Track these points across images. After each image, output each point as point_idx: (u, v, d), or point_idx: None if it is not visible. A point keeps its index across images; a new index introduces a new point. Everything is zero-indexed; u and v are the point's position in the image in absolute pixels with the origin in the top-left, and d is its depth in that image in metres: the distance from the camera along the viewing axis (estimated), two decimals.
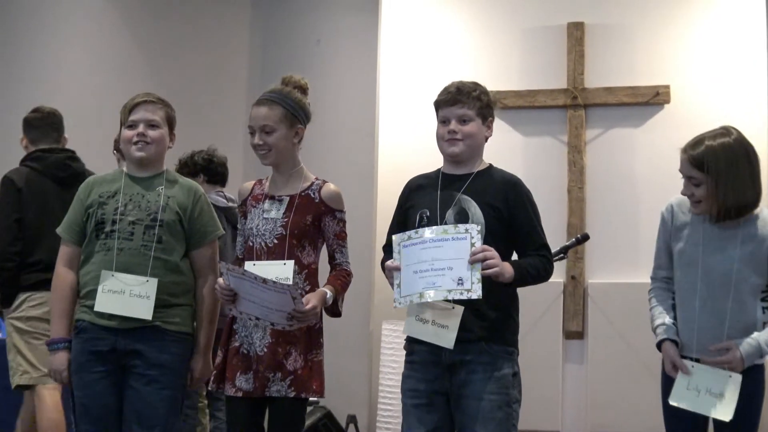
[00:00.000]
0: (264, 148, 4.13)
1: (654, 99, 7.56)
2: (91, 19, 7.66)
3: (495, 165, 4.03)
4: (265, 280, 3.84)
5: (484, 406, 3.74)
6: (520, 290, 3.92)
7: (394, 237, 3.83)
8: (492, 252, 3.66)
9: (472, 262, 3.63)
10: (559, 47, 7.78)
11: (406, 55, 8.10)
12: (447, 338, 3.73)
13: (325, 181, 4.21)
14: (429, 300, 3.70)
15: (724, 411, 3.83)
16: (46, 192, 5.46)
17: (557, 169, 7.69)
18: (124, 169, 4.31)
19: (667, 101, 7.55)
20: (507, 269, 3.71)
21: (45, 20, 7.45)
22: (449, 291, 3.66)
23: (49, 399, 5.29)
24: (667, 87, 7.55)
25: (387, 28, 8.10)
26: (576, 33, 7.75)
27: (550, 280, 7.32)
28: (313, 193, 4.15)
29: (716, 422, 3.93)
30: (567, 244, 5.62)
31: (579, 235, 5.69)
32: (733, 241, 3.93)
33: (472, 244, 3.65)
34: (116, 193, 4.16)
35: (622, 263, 7.38)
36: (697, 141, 3.92)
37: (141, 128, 4.16)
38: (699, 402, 3.87)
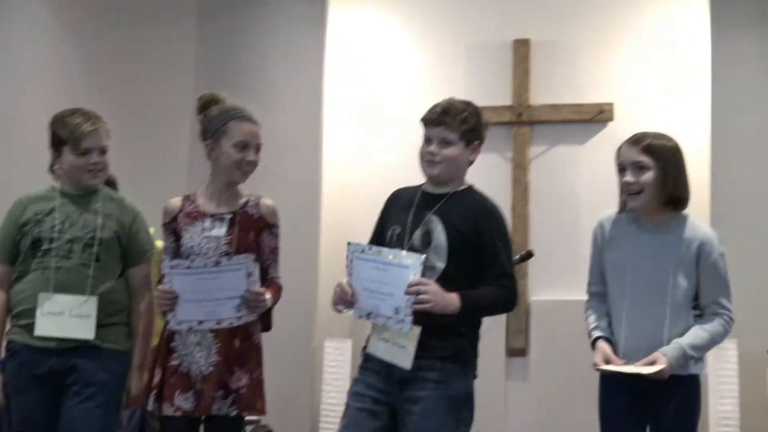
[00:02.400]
0: (253, 165, 4.13)
1: (598, 116, 7.59)
2: (33, 29, 7.54)
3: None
4: (217, 262, 3.83)
5: (430, 426, 3.70)
6: None
7: (349, 244, 3.79)
8: (428, 287, 3.61)
9: (406, 294, 3.60)
10: (504, 64, 7.79)
11: (351, 70, 8.07)
12: (405, 359, 3.70)
13: (259, 196, 4.19)
14: (373, 321, 3.72)
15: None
16: None
17: (501, 186, 7.68)
18: (57, 185, 4.24)
19: (611, 119, 7.58)
20: (450, 302, 3.65)
21: None
22: (387, 319, 3.65)
23: None
24: (611, 105, 7.58)
25: (333, 42, 8.07)
26: (522, 50, 7.76)
27: None
28: (252, 210, 4.13)
29: None
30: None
31: (523, 252, 5.69)
32: (666, 247, 3.98)
33: (414, 274, 3.61)
34: (52, 210, 4.11)
35: (565, 281, 7.37)
36: (641, 135, 4.00)
37: (95, 157, 4.14)
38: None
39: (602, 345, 4.01)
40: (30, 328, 4.03)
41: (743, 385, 7.27)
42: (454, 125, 3.84)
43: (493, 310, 3.84)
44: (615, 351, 3.99)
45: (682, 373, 3.92)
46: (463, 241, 3.77)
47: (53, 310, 4.01)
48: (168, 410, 3.99)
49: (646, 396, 3.94)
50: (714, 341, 3.95)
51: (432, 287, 3.61)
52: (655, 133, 4.03)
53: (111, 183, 5.74)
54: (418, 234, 3.79)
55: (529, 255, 5.72)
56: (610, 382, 4.04)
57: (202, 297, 3.87)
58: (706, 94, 7.48)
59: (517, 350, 7.52)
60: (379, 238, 3.91)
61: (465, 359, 3.83)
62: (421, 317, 3.63)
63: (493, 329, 7.49)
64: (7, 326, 4.15)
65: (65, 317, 4.01)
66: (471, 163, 3.94)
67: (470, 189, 3.94)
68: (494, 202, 3.94)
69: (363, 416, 3.79)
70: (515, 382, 7.57)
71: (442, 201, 3.84)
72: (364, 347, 3.93)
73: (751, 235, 7.77)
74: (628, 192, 4.00)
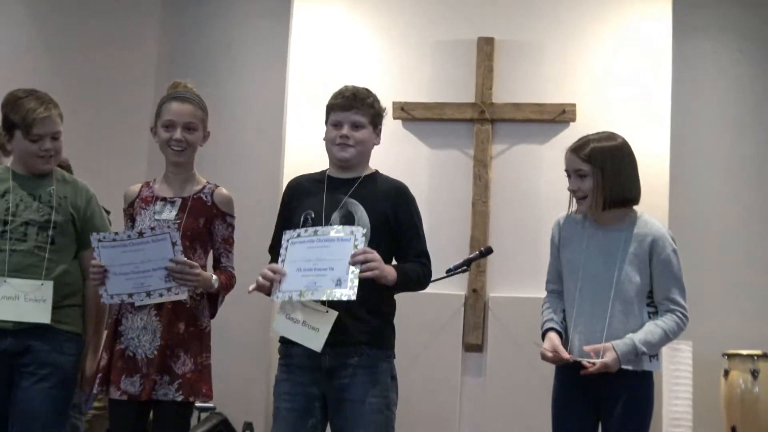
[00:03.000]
0: (183, 144, 4.11)
1: (560, 117, 7.62)
2: None
3: (401, 175, 4.04)
4: (141, 233, 3.84)
5: (365, 409, 3.76)
6: (420, 302, 3.93)
7: (285, 233, 3.83)
8: (373, 254, 3.68)
9: (352, 263, 3.64)
10: (468, 61, 7.82)
11: (315, 63, 8.08)
12: (316, 341, 3.72)
13: (216, 186, 4.20)
14: (308, 299, 3.70)
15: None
16: None
17: (462, 183, 7.72)
18: (8, 165, 4.22)
19: (573, 119, 7.61)
20: (389, 272, 3.74)
21: None
22: (328, 291, 3.65)
23: None
24: (574, 105, 7.62)
25: (297, 34, 8.08)
26: (486, 48, 7.78)
27: (452, 292, 7.42)
28: (206, 197, 4.13)
29: (605, 428, 4.02)
30: (470, 257, 5.67)
31: (482, 248, 5.73)
32: (617, 243, 4.04)
33: (355, 246, 3.67)
34: (6, 192, 4.09)
35: (523, 278, 7.41)
36: (584, 141, 4.07)
37: (48, 143, 4.10)
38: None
39: (551, 335, 4.07)
40: None
41: (697, 387, 7.36)
42: (364, 109, 3.94)
43: (417, 285, 3.91)
44: (566, 346, 4.04)
45: (636, 369, 3.96)
46: (384, 221, 3.87)
47: (8, 294, 3.99)
48: (114, 394, 4.00)
49: (598, 390, 3.98)
50: (667, 337, 3.99)
51: (376, 255, 3.69)
52: (597, 136, 4.09)
53: (65, 167, 5.73)
54: (336, 216, 3.86)
55: (488, 251, 5.76)
56: (564, 377, 4.09)
57: (130, 269, 3.87)
58: (666, 98, 7.54)
59: (473, 345, 7.55)
60: (287, 226, 3.93)
61: (387, 342, 3.91)
62: (337, 304, 3.68)
63: (450, 324, 7.55)
64: None
65: (21, 301, 3.99)
66: (374, 146, 4.03)
67: (378, 173, 4.04)
68: (404, 183, 4.03)
69: (295, 416, 3.82)
70: (471, 377, 7.60)
71: (356, 184, 3.93)
72: (280, 342, 3.95)
73: (708, 237, 7.87)
74: (574, 197, 4.08)
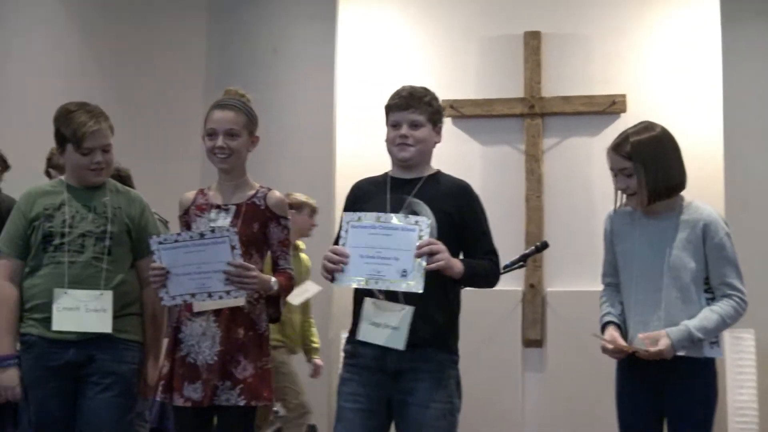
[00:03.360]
0: (226, 151, 4.11)
1: (610, 108, 7.60)
2: (43, 23, 7.60)
3: (453, 173, 4.03)
4: (202, 234, 3.86)
5: (429, 414, 3.73)
6: (478, 299, 3.92)
7: (344, 214, 3.80)
8: (439, 245, 3.65)
9: (417, 255, 3.62)
10: (515, 56, 7.82)
11: (363, 64, 8.10)
12: (398, 340, 3.72)
13: (269, 189, 4.19)
14: (372, 287, 3.70)
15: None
16: None
17: (515, 178, 7.71)
18: (63, 179, 4.27)
19: (624, 110, 7.59)
20: (455, 264, 3.71)
21: None
22: (393, 282, 3.64)
23: None
24: (623, 96, 7.59)
25: (344, 36, 8.11)
26: (533, 42, 7.78)
27: (509, 288, 7.41)
28: (259, 201, 4.13)
29: (670, 419, 3.98)
30: (526, 252, 5.62)
31: (538, 243, 5.69)
32: (668, 231, 4.02)
33: (420, 237, 3.64)
34: (61, 205, 4.13)
35: (580, 271, 7.38)
36: (623, 137, 4.03)
37: (99, 156, 4.13)
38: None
39: (610, 329, 4.06)
40: (46, 321, 4.04)
41: (761, 375, 7.27)
42: (422, 108, 3.91)
43: (486, 282, 3.88)
44: (625, 337, 4.03)
45: (696, 356, 3.93)
46: (449, 220, 3.83)
47: (69, 305, 4.02)
48: (178, 401, 4.02)
49: (660, 381, 3.95)
50: (724, 323, 3.95)
51: (442, 246, 3.66)
52: (635, 129, 4.05)
53: (125, 178, 5.79)
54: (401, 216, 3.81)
55: (544, 246, 5.72)
56: (626, 371, 4.07)
57: (191, 270, 3.88)
58: (717, 84, 7.49)
59: (533, 341, 7.54)
60: None
61: (453, 345, 3.89)
62: (413, 300, 3.67)
63: (508, 320, 7.54)
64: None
65: (81, 312, 4.02)
66: (435, 144, 3.99)
67: (440, 172, 4.01)
68: (467, 182, 4.00)
69: (362, 418, 3.80)
70: (532, 372, 7.59)
71: (419, 184, 3.90)
72: (347, 342, 3.93)
73: (766, 222, 7.77)
74: (623, 194, 4.07)
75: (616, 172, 4.05)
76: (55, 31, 7.67)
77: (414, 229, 3.66)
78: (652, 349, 3.87)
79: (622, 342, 3.98)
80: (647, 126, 4.06)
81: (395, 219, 3.70)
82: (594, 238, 7.34)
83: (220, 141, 4.10)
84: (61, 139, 4.17)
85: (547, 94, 7.74)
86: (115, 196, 4.21)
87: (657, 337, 3.90)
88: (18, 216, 4.17)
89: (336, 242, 3.88)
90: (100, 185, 4.22)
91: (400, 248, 3.65)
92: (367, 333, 3.80)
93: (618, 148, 4.02)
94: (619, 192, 4.11)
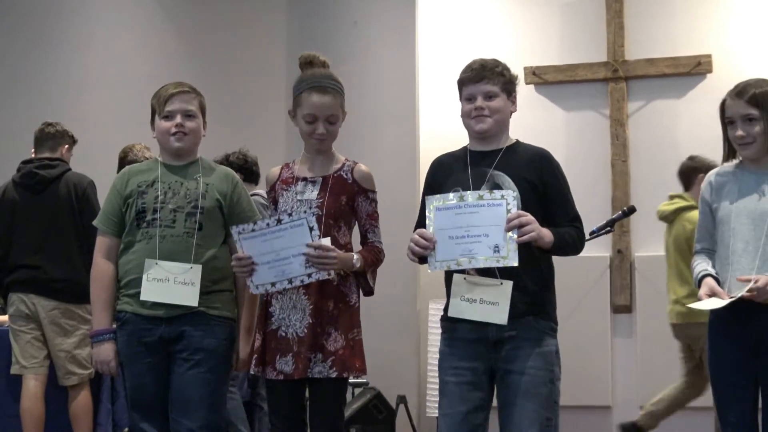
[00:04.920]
0: (326, 137, 4.13)
1: (696, 69, 7.51)
2: (129, 6, 7.72)
3: (537, 141, 4.01)
4: (279, 219, 3.88)
5: (529, 381, 3.72)
6: (565, 266, 3.90)
7: (427, 199, 3.80)
8: (528, 217, 3.63)
9: (508, 229, 3.62)
10: (598, 20, 7.75)
11: (444, 35, 8.08)
12: (499, 315, 3.70)
13: (356, 162, 4.20)
14: (465, 267, 3.69)
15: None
16: (15, 200, 5.86)
17: (600, 143, 7.66)
18: (159, 158, 4.32)
19: (710, 71, 7.49)
20: (545, 233, 3.69)
21: (83, 9, 7.54)
22: (486, 259, 3.64)
23: (30, 388, 5.76)
24: (709, 56, 7.49)
25: (424, 7, 8.09)
26: (615, 5, 7.70)
27: (597, 254, 7.38)
28: (346, 174, 4.14)
29: (764, 381, 3.91)
30: (613, 217, 5.60)
31: (625, 208, 5.67)
32: None
33: (508, 211, 3.63)
34: (154, 182, 4.17)
35: None
36: (744, 86, 3.97)
37: (179, 119, 4.16)
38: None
39: (707, 279, 3.98)
40: (138, 297, 4.09)
41: None
42: (495, 78, 3.88)
43: (573, 249, 3.86)
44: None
45: None
46: (533, 190, 3.81)
47: (159, 276, 4.06)
48: (271, 374, 4.06)
49: (754, 337, 3.89)
50: None
51: (531, 217, 3.65)
52: (756, 81, 3.98)
53: (251, 164, 5.93)
54: (485, 189, 3.78)
55: (631, 210, 5.69)
56: (721, 330, 4.01)
57: (271, 257, 3.91)
58: None
59: (622, 307, 7.50)
60: None
61: (551, 312, 3.87)
62: (508, 274, 3.67)
63: (597, 287, 7.50)
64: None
65: (170, 284, 4.05)
66: (512, 114, 3.97)
67: (519, 142, 3.98)
68: (547, 150, 3.97)
69: (465, 390, 3.80)
70: (621, 338, 7.56)
71: (500, 155, 3.88)
72: (443, 319, 3.93)
73: None
74: (739, 143, 3.98)
75: (737, 119, 3.96)
76: (138, 14, 7.86)
77: (501, 203, 3.64)
78: (753, 285, 3.80)
79: (721, 291, 3.90)
80: (765, 80, 4.00)
81: (480, 196, 3.70)
82: None
83: (321, 128, 4.11)
84: (152, 113, 4.24)
85: (630, 57, 7.67)
86: (207, 172, 4.23)
87: (754, 280, 3.83)
88: (114, 194, 4.22)
89: (418, 224, 3.88)
90: (194, 162, 4.26)
91: (489, 224, 3.64)
92: (462, 309, 3.79)
93: (741, 94, 3.94)
94: (726, 145, 4.04)
